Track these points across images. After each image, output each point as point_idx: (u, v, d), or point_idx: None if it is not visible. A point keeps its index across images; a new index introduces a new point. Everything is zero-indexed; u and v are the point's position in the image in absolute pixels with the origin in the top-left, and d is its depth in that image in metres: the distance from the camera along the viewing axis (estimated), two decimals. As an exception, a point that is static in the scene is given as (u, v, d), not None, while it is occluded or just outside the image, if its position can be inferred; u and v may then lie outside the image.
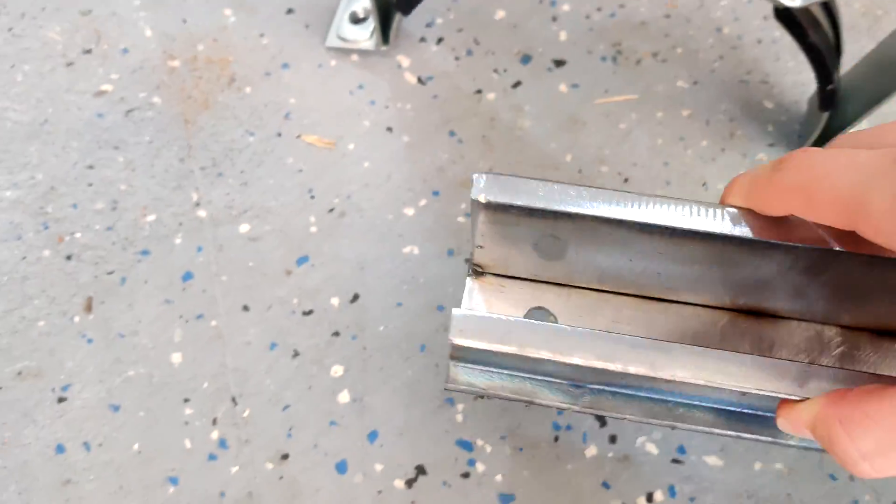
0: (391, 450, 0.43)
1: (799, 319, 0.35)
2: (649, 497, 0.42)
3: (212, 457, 0.42)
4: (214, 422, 0.43)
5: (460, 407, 0.43)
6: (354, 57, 0.54)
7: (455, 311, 0.30)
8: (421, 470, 0.42)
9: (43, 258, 0.46)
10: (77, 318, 0.45)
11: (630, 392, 0.35)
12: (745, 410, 0.35)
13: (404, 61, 0.54)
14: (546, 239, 0.32)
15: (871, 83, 0.46)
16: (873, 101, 0.45)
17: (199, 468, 0.42)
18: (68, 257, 0.46)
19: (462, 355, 0.35)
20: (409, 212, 0.49)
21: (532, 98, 0.53)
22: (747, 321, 0.35)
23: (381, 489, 0.42)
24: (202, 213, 0.48)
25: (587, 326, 0.32)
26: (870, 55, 0.48)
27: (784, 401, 0.29)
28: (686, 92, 0.55)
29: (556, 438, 0.43)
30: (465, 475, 0.42)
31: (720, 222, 0.28)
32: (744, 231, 0.28)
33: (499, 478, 0.42)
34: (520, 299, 0.36)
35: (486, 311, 0.33)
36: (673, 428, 0.37)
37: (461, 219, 0.49)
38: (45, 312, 0.45)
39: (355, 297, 0.46)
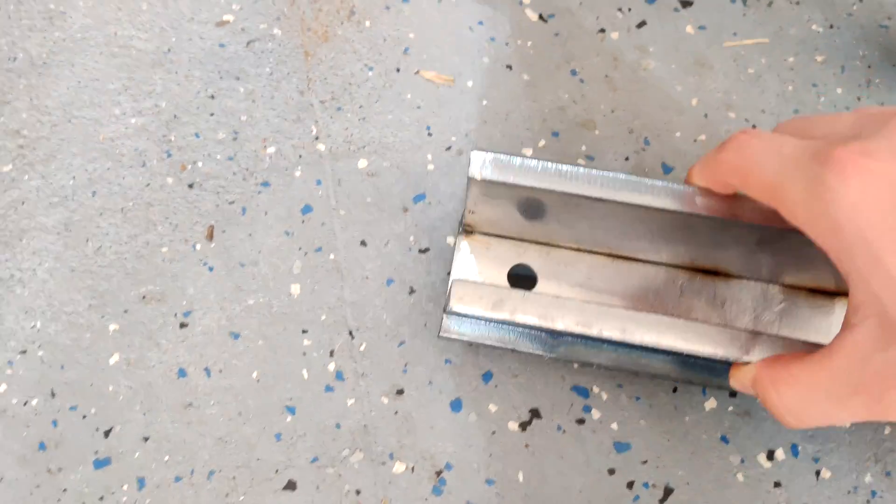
0: (506, 391, 0.42)
1: (748, 279, 0.41)
2: (770, 455, 0.41)
3: (328, 388, 0.43)
4: (332, 354, 0.43)
5: (577, 352, 0.43)
6: (474, -8, 0.52)
7: (454, 279, 0.36)
8: (535, 413, 0.42)
9: (166, 185, 0.47)
10: (199, 246, 0.45)
11: (598, 344, 0.40)
12: (699, 361, 0.40)
13: (525, -3, 0.52)
14: (529, 205, 0.37)
15: None
16: None
17: (315, 398, 0.43)
18: (190, 185, 0.47)
19: (455, 309, 0.39)
20: (528, 152, 0.48)
21: (657, 39, 0.51)
22: (703, 279, 0.41)
23: (494, 430, 0.42)
24: (321, 146, 0.48)
25: (565, 281, 0.41)
26: None
27: (735, 364, 0.33)
28: (820, 36, 0.52)
29: (675, 389, 0.42)
30: (581, 421, 0.42)
31: (676, 200, 0.33)
32: (697, 208, 0.33)
33: (614, 426, 0.42)
34: (504, 257, 0.41)
35: (479, 278, 0.40)
36: (636, 374, 0.41)
37: (581, 160, 0.48)
38: (169, 239, 0.46)
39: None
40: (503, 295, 0.34)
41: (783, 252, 0.37)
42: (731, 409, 0.42)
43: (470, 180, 0.35)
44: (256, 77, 0.49)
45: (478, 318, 0.35)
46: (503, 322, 0.36)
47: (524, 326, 0.36)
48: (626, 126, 0.49)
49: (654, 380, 0.42)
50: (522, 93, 0.49)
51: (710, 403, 0.42)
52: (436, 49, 0.51)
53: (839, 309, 0.40)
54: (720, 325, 0.35)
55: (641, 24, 0.52)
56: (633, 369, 0.40)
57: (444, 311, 0.38)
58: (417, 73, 0.50)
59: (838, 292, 0.40)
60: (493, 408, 0.42)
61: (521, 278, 0.42)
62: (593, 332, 0.34)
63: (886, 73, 0.51)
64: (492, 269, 0.42)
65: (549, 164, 0.35)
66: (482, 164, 0.35)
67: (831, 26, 0.52)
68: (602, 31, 0.51)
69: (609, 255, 0.41)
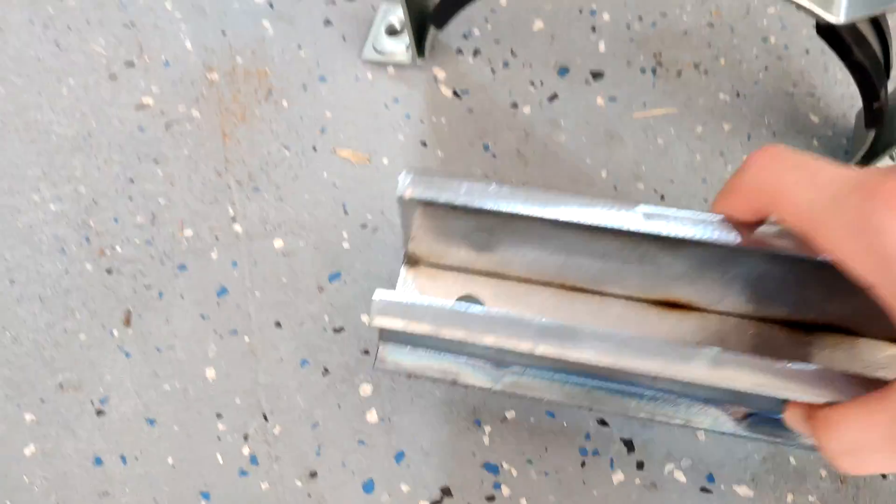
0: (418, 470, 0.43)
1: (719, 313, 0.37)
2: (676, 525, 0.42)
3: (243, 472, 0.43)
4: (246, 437, 0.44)
5: (487, 429, 0.44)
6: (391, 69, 0.54)
7: (375, 294, 0.32)
8: (447, 492, 0.43)
9: (85, 271, 0.47)
10: (116, 332, 0.46)
11: (549, 375, 0.36)
12: (664, 394, 0.37)
13: (440, 74, 0.53)
14: (476, 233, 0.34)
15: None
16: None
17: (230, 483, 0.43)
18: (108, 271, 0.47)
19: (391, 337, 0.36)
20: (442, 228, 0.49)
21: (568, 111, 0.53)
22: (672, 314, 0.37)
23: (406, 509, 0.43)
24: (238, 227, 0.48)
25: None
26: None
27: (793, 402, 0.30)
28: (728, 105, 0.53)
29: (583, 464, 0.43)
30: (491, 498, 0.43)
31: (629, 218, 0.30)
32: (651, 227, 0.30)
33: (524, 501, 0.42)
34: (451, 288, 0.38)
35: (406, 296, 0.34)
36: (590, 409, 0.37)
37: (493, 236, 0.49)
38: (87, 325, 0.46)
39: (386, 315, 0.46)
40: (427, 309, 0.32)
41: (749, 280, 0.34)
42: (637, 481, 0.43)
43: (399, 201, 0.33)
44: (175, 159, 0.50)
45: (400, 333, 0.33)
46: (439, 346, 0.34)
47: (460, 346, 0.34)
48: (537, 200, 0.50)
49: (567, 446, 0.43)
50: (437, 169, 0.51)
51: (618, 476, 0.43)
52: (352, 127, 0.52)
53: (817, 343, 0.37)
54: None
55: (553, 98, 0.53)
56: (586, 404, 0.37)
57: (379, 338, 0.37)
58: (334, 151, 0.51)
59: (816, 324, 0.37)
60: (405, 487, 0.43)
61: None
62: (525, 346, 0.30)
63: (792, 139, 0.52)
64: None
65: (485, 183, 0.32)
66: (412, 183, 0.32)
67: (738, 95, 0.54)
68: (515, 105, 0.53)
69: (564, 287, 0.38)
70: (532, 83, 0.54)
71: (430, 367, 0.37)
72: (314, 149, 0.51)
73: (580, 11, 0.56)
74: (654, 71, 0.54)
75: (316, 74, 0.53)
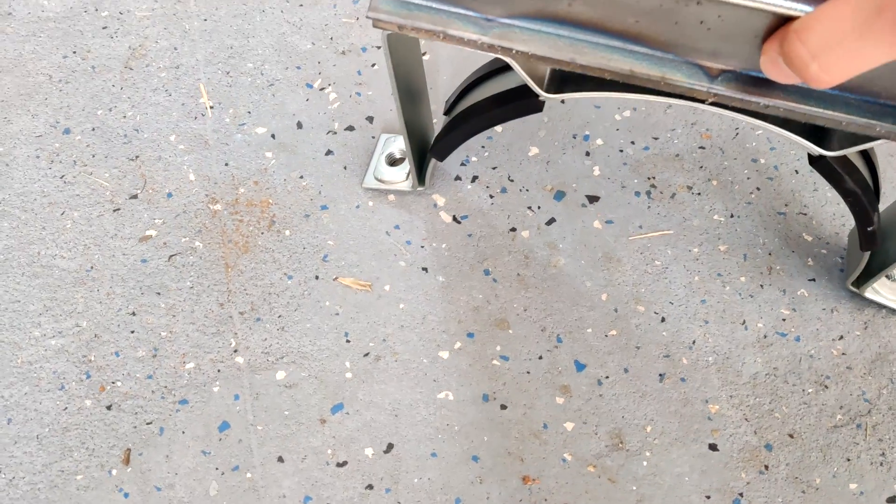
0: None
1: None
2: None
3: None
4: (247, 581, 0.42)
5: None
6: (391, 197, 0.55)
7: None
8: None
9: (84, 408, 0.47)
10: (115, 471, 0.45)
11: (537, 26, 0.35)
12: (637, 48, 0.35)
13: (440, 200, 0.54)
14: None
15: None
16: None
17: None
18: (108, 407, 0.47)
19: None
20: (444, 355, 0.49)
21: (566, 235, 0.53)
22: None
23: None
24: (240, 359, 0.48)
25: None
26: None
27: (768, 41, 0.31)
28: (722, 225, 0.54)
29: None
30: None
31: None
32: None
33: None
34: None
35: None
36: (570, 62, 0.36)
37: (496, 361, 0.49)
38: (84, 465, 0.45)
39: (389, 447, 0.46)
40: None
41: None
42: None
43: None
44: (177, 291, 0.50)
45: None
46: None
47: None
48: (538, 324, 0.50)
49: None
50: (438, 295, 0.51)
51: None
52: (354, 255, 0.52)
53: None
54: None
55: (551, 222, 0.54)
56: (568, 58, 0.36)
57: None
58: (336, 279, 0.51)
59: None
60: None
61: None
62: None
63: (787, 259, 0.53)
64: None
65: None
66: None
67: (732, 216, 0.55)
68: (513, 230, 0.54)
69: None
70: (530, 208, 0.55)
71: (422, 18, 0.36)
72: (316, 277, 0.51)
73: (574, 137, 0.57)
74: (648, 194, 0.55)
75: (318, 203, 0.54)
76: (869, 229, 0.45)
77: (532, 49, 0.35)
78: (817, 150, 0.39)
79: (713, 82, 0.34)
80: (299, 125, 0.57)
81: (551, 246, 0.53)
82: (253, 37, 0.61)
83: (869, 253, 0.48)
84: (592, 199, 0.55)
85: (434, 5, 0.36)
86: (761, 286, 0.52)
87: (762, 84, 0.34)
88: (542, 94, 0.38)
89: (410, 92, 0.45)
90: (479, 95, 0.45)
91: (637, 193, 0.55)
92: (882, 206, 0.49)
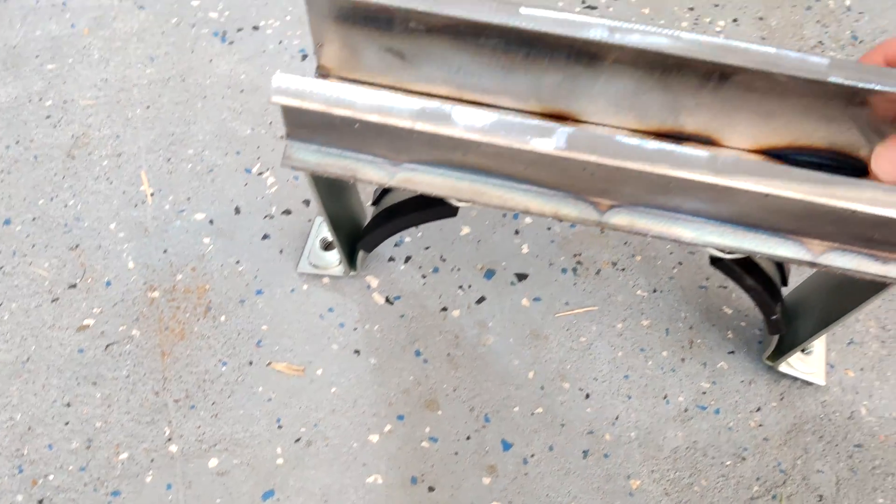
0: None
1: (597, 124, 0.40)
2: None
3: None
4: None
5: None
6: (326, 280, 0.56)
7: (276, 76, 0.35)
8: None
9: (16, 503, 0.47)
10: (46, 565, 0.46)
11: (439, 171, 0.38)
12: (531, 187, 0.38)
13: (373, 282, 0.56)
14: (383, 48, 0.37)
15: (820, 305, 0.48)
16: (822, 324, 0.46)
17: None
18: (40, 501, 0.47)
19: (296, 134, 0.38)
20: (374, 438, 0.50)
21: (496, 313, 0.55)
22: (556, 123, 0.39)
23: None
24: (174, 447, 0.49)
25: None
26: (813, 277, 0.50)
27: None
28: (645, 300, 0.56)
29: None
30: None
31: (511, 16, 0.35)
32: (529, 24, 0.35)
33: None
34: None
35: (303, 79, 0.36)
36: (471, 203, 0.39)
37: (425, 443, 0.50)
38: (16, 560, 0.46)
39: (319, 533, 0.47)
40: (321, 86, 0.35)
41: (640, 98, 0.38)
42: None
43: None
44: (113, 381, 0.52)
45: (303, 128, 0.36)
46: (341, 144, 0.36)
47: (360, 144, 0.37)
48: (467, 404, 0.51)
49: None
50: (370, 377, 0.52)
51: None
52: (287, 339, 0.54)
53: None
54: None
55: (481, 300, 0.56)
56: (468, 197, 0.39)
57: (286, 134, 0.39)
58: (269, 364, 0.53)
59: (682, 135, 0.40)
60: None
61: None
62: (405, 123, 0.34)
63: (707, 333, 0.55)
64: None
65: None
66: None
67: (655, 290, 0.57)
68: (445, 309, 0.55)
69: (464, 100, 0.41)
70: (461, 287, 0.56)
71: (333, 165, 0.39)
72: (250, 363, 0.52)
73: (504, 216, 0.59)
74: (574, 270, 0.57)
75: (253, 288, 0.56)
76: (772, 318, 0.47)
77: (434, 190, 0.39)
78: (716, 253, 0.41)
79: (602, 216, 0.37)
80: (237, 210, 0.59)
81: (481, 325, 0.55)
82: (194, 123, 0.63)
83: (778, 336, 0.51)
84: (521, 276, 0.57)
85: (344, 153, 0.39)
86: (682, 360, 0.54)
87: (649, 216, 0.37)
88: (456, 203, 0.40)
89: (336, 190, 0.47)
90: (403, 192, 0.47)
91: (564, 270, 0.57)
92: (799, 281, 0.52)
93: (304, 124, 0.37)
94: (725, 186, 0.33)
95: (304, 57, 0.67)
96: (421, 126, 0.34)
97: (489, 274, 0.57)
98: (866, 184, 0.33)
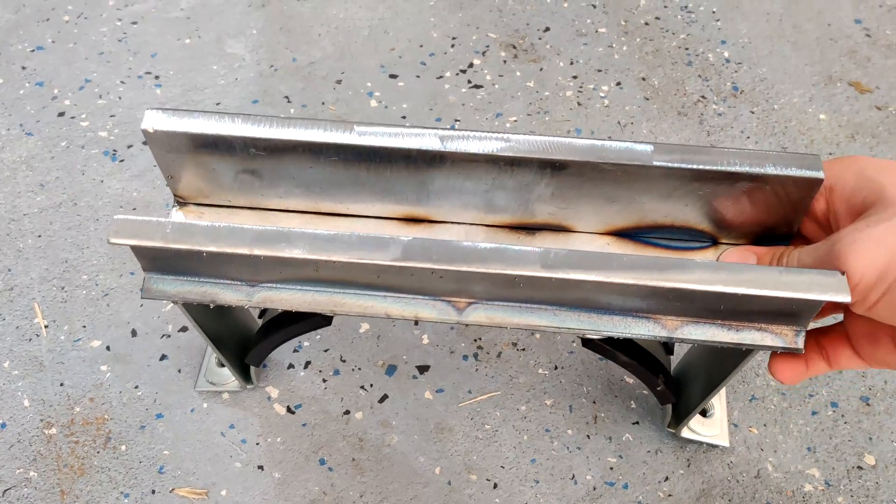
0: None
1: (454, 223, 0.42)
2: None
3: None
4: None
5: None
6: (225, 395, 0.56)
7: (115, 217, 0.36)
8: None
9: None
10: None
11: (297, 287, 0.39)
12: (389, 294, 0.39)
13: (273, 392, 0.56)
14: (238, 170, 0.39)
15: (704, 369, 0.48)
16: (709, 388, 0.46)
17: None
18: None
19: (151, 267, 0.38)
20: (282, 557, 0.49)
21: (399, 410, 0.55)
22: (413, 227, 0.42)
23: None
24: (75, 593, 0.48)
25: None
26: (695, 348, 0.51)
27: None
28: (547, 379, 0.57)
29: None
30: None
31: (347, 136, 0.37)
32: (364, 141, 0.37)
33: None
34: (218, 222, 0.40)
35: (139, 218, 0.37)
36: (332, 315, 0.41)
37: (334, 557, 0.49)
38: None
39: None
40: (157, 226, 0.36)
41: (495, 197, 0.40)
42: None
43: (146, 136, 0.37)
44: (11, 529, 0.50)
45: (156, 260, 0.37)
46: (198, 271, 0.37)
47: (217, 270, 0.37)
48: (374, 510, 0.51)
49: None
50: (275, 493, 0.52)
51: None
52: (190, 462, 0.53)
53: (539, 239, 0.42)
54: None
55: (383, 399, 0.56)
56: (329, 309, 0.39)
57: (143, 268, 0.39)
58: (172, 491, 0.52)
59: (537, 226, 0.42)
60: None
61: None
62: (242, 250, 0.35)
63: (610, 405, 0.55)
64: None
65: (224, 114, 0.37)
66: (155, 119, 0.37)
67: (556, 367, 0.57)
68: (347, 412, 0.55)
69: (320, 213, 0.42)
70: (362, 387, 0.56)
71: (191, 292, 0.39)
72: (153, 492, 0.52)
73: (402, 308, 0.60)
74: (475, 356, 0.58)
75: (153, 412, 0.55)
76: (657, 389, 0.48)
77: (294, 307, 0.40)
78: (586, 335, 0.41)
79: (461, 315, 0.38)
80: (134, 333, 0.59)
81: (385, 424, 0.55)
82: (87, 247, 0.63)
83: (670, 406, 0.51)
84: (423, 368, 0.57)
85: (201, 279, 0.40)
86: (588, 436, 0.54)
87: (505, 310, 0.38)
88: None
89: (216, 310, 0.47)
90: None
91: (465, 357, 0.58)
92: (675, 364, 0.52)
93: (155, 258, 0.38)
94: (560, 279, 0.34)
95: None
96: (259, 251, 0.35)
97: (391, 370, 0.57)
98: (693, 263, 0.34)
